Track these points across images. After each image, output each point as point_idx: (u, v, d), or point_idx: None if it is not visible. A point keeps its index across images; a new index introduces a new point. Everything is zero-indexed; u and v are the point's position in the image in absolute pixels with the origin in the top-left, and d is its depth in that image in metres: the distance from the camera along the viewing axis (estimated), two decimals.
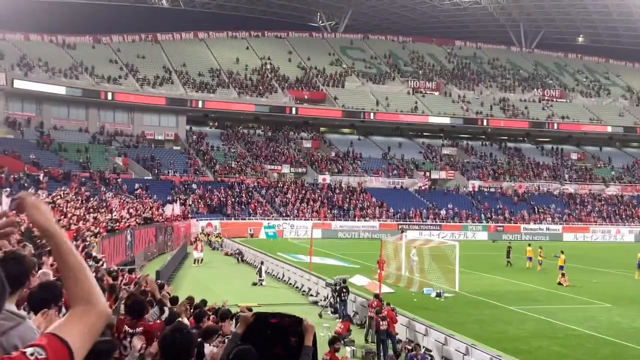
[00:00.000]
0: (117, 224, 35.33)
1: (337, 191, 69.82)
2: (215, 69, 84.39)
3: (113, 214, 38.56)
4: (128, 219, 38.06)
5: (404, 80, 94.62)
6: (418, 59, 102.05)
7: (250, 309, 14.18)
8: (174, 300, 12.95)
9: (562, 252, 38.46)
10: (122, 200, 47.60)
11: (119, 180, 60.08)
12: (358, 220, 65.33)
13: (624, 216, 74.18)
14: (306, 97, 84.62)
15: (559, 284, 33.20)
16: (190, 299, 12.93)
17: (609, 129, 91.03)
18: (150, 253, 41.16)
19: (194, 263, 39.37)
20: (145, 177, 63.96)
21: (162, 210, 52.96)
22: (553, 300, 29.14)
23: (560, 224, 70.53)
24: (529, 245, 45.30)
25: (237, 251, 43.18)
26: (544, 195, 77.21)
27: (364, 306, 22.93)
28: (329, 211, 65.48)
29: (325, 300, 26.01)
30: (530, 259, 42.52)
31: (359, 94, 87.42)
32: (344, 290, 23.94)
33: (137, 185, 60.03)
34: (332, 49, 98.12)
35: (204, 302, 12.90)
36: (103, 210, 39.70)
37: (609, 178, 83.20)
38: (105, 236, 30.46)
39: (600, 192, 79.69)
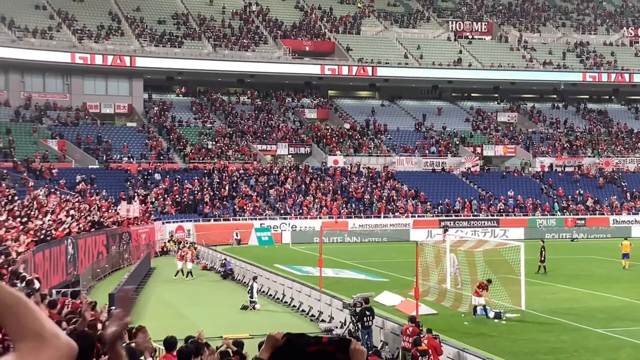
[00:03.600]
0: (54, 231, 35.48)
1: (355, 178, 69.85)
2: (181, 15, 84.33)
3: (47, 218, 38.73)
4: (68, 224, 38.20)
5: (442, 21, 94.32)
6: None
7: (239, 343, 14.26)
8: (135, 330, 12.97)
9: None
10: (60, 199, 47.77)
11: (53, 171, 60.24)
12: (384, 217, 65.36)
13: None
14: (307, 48, 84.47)
15: None
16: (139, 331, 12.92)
17: None
18: (101, 269, 41.26)
19: (186, 276, 41.66)
20: (90, 166, 64.05)
21: (115, 210, 53.02)
22: None
23: None
24: (626, 238, 47.23)
25: (223, 263, 43.26)
26: None
27: (395, 334, 22.96)
28: (343, 206, 65.55)
29: (342, 327, 26.06)
30: (627, 256, 44.05)
31: (381, 43, 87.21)
32: (367, 313, 23.99)
33: (79, 178, 60.15)
34: None
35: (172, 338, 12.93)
36: (33, 213, 39.86)
37: None
38: (37, 248, 30.59)
39: None
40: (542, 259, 42.09)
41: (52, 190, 51.62)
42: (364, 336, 23.81)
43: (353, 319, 24.74)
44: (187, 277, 41.80)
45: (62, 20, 77.67)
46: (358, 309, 24.32)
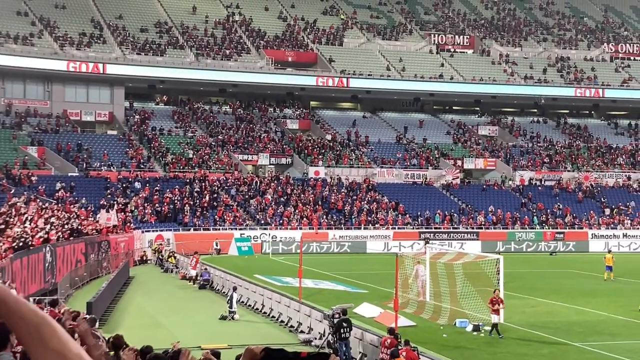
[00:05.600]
0: (32, 238, 35.24)
1: (335, 189, 69.89)
2: (163, 23, 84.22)
3: (25, 225, 38.46)
4: (47, 232, 37.96)
5: (424, 34, 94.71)
6: (444, 5, 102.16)
7: (217, 353, 14.19)
8: (118, 343, 12.85)
9: None
10: (39, 207, 47.49)
11: (33, 178, 59.92)
12: (364, 229, 65.40)
13: None
14: (290, 59, 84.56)
15: None
16: (117, 339, 12.81)
17: None
18: (79, 278, 41.05)
19: (191, 282, 43.32)
20: (70, 174, 63.75)
21: (94, 218, 52.78)
22: (635, 333, 29.22)
23: None
24: (609, 251, 49.73)
25: (203, 271, 43.08)
26: (619, 189, 77.49)
27: (374, 346, 22.95)
28: (324, 217, 65.55)
29: (321, 338, 26.02)
30: (610, 268, 45.48)
31: (363, 55, 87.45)
32: (344, 324, 23.97)
33: (58, 185, 59.86)
34: None
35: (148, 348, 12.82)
36: (12, 220, 39.59)
37: None
38: (15, 256, 30.38)
39: None
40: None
41: (31, 197, 51.31)
42: (342, 348, 23.78)
43: (331, 330, 24.72)
44: (192, 283, 43.01)
45: (44, 27, 77.40)
46: (335, 320, 24.30)
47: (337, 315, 24.53)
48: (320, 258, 55.41)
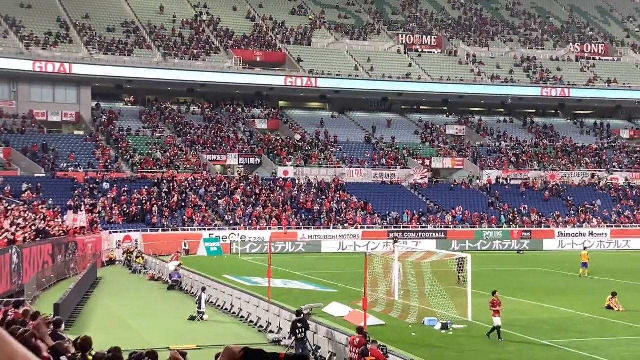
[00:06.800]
0: None
1: (304, 189, 69.88)
2: (130, 23, 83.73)
3: None
4: (13, 233, 37.59)
5: (392, 34, 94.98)
6: (412, 5, 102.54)
7: (184, 354, 14.12)
8: (85, 345, 12.72)
9: None
10: (4, 208, 46.99)
11: None
12: (333, 228, 65.45)
13: None
14: (258, 59, 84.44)
15: (609, 307, 33.65)
16: (84, 341, 12.71)
17: None
18: (46, 279, 40.72)
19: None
20: (36, 175, 63.19)
21: (61, 219, 52.35)
22: (601, 330, 29.54)
23: (609, 226, 71.50)
24: (585, 248, 51.55)
25: (174, 271, 42.78)
26: (584, 188, 78.21)
27: (344, 345, 22.95)
28: (293, 217, 65.53)
29: (290, 338, 26.00)
30: (585, 265, 46.78)
31: (332, 55, 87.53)
32: (299, 325, 24.02)
33: (24, 186, 59.28)
34: None
35: (117, 349, 12.73)
36: None
37: None
38: None
39: None
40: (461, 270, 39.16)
41: None
42: (298, 349, 23.82)
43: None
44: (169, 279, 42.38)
45: (10, 27, 76.64)
46: (294, 322, 24.32)
47: (300, 315, 24.58)
48: (289, 258, 55.38)
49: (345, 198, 69.71)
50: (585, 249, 52.70)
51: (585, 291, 40.14)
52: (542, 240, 68.03)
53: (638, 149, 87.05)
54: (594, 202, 74.99)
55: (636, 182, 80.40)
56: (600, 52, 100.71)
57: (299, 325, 24.06)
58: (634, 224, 72.39)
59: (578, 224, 71.35)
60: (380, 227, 66.67)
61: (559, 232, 69.64)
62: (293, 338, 24.19)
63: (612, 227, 71.48)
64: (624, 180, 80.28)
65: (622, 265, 52.51)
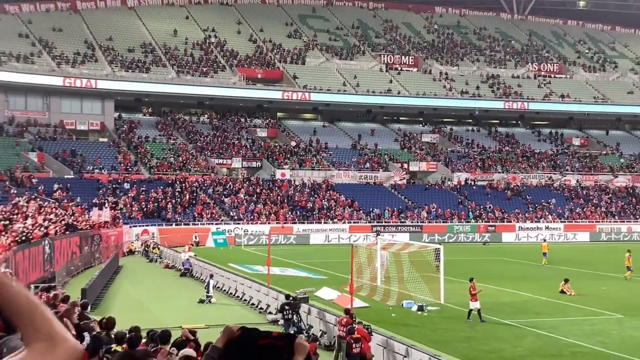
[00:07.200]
0: (33, 233, 34.75)
1: (299, 189, 69.85)
2: (148, 44, 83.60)
3: (27, 222, 37.91)
4: (46, 227, 37.47)
5: (375, 54, 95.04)
6: (392, 30, 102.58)
7: (194, 332, 14.10)
8: (109, 324, 12.74)
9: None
10: (38, 205, 46.85)
11: (33, 180, 59.15)
12: (324, 223, 65.45)
13: (635, 211, 75.65)
14: (259, 76, 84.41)
15: (562, 292, 33.74)
16: (108, 320, 12.73)
17: (617, 109, 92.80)
18: (74, 267, 40.69)
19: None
20: (66, 176, 63.07)
21: (88, 215, 52.29)
22: (555, 311, 29.60)
23: (562, 221, 71.67)
24: (545, 240, 52.03)
25: (186, 260, 42.74)
26: (541, 188, 78.37)
27: (333, 324, 22.96)
28: (289, 213, 65.49)
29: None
30: (545, 254, 46.85)
31: (323, 72, 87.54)
32: (287, 307, 24.03)
33: (56, 186, 59.18)
34: (289, 18, 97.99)
35: (136, 328, 12.72)
36: (15, 217, 39.00)
37: (617, 167, 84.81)
38: (17, 249, 29.96)
39: (607, 183, 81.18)
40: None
41: (32, 197, 50.61)
42: (287, 328, 23.87)
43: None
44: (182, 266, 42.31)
45: (43, 47, 76.46)
46: (279, 304, 24.34)
47: (299, 299, 24.58)
48: (285, 249, 55.36)
49: (335, 197, 69.72)
50: (544, 240, 53.00)
51: (541, 278, 40.25)
52: (504, 233, 68.18)
53: (587, 154, 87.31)
54: (549, 200, 75.20)
55: (586, 183, 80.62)
56: (555, 70, 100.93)
57: (287, 307, 24.11)
58: (583, 220, 72.64)
59: (535, 219, 71.56)
60: (365, 222, 66.70)
61: (519, 227, 69.80)
62: (282, 319, 24.22)
63: (565, 222, 71.70)
64: (576, 182, 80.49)
65: (574, 256, 52.64)
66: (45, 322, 2.40)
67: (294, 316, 24.29)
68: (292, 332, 23.65)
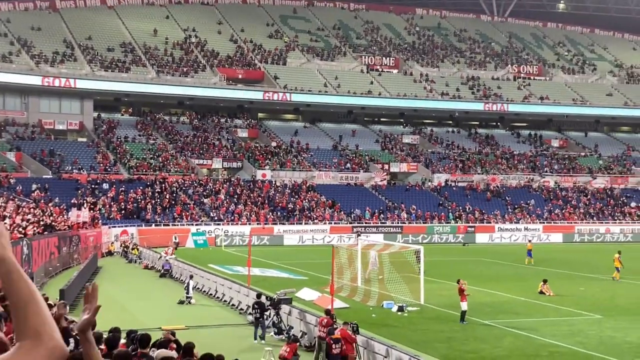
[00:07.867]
0: (11, 233, 34.47)
1: (280, 189, 69.78)
2: (128, 44, 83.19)
3: (5, 222, 37.59)
4: (24, 227, 37.19)
5: (356, 55, 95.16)
6: (373, 31, 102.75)
7: (173, 333, 14.06)
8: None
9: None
10: (16, 206, 46.46)
11: (11, 180, 58.70)
12: (305, 224, 65.40)
13: (614, 212, 76.28)
14: (240, 76, 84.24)
15: (541, 292, 33.93)
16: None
17: (596, 111, 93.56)
18: (53, 268, 40.36)
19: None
20: (44, 176, 62.63)
21: (66, 215, 51.92)
22: (534, 312, 29.75)
23: (541, 222, 72.10)
24: (530, 241, 53.20)
25: (165, 261, 42.56)
26: (521, 189, 78.80)
27: (313, 325, 22.97)
28: (270, 213, 65.41)
29: (266, 319, 25.94)
30: (530, 254, 47.28)
31: (304, 73, 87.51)
32: (256, 306, 24.14)
33: (34, 186, 58.77)
34: (270, 19, 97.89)
35: (116, 329, 12.64)
36: None
37: (595, 168, 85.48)
38: None
39: (585, 184, 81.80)
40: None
41: (10, 197, 50.22)
42: (256, 328, 24.06)
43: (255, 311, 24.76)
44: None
45: (22, 47, 75.91)
46: (255, 305, 24.43)
47: (277, 299, 24.59)
48: (265, 250, 55.28)
49: (315, 198, 69.72)
50: (529, 241, 53.75)
51: (520, 278, 40.46)
52: (484, 234, 68.49)
53: (566, 156, 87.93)
54: (528, 201, 75.63)
55: (565, 184, 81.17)
56: (534, 72, 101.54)
57: (256, 307, 24.18)
58: (562, 221, 73.15)
59: (515, 220, 71.95)
60: (346, 222, 66.75)
61: (498, 228, 70.13)
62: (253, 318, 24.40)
63: (544, 223, 72.16)
64: (554, 183, 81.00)
65: (552, 256, 52.95)
66: (36, 318, 2.39)
67: (263, 316, 24.34)
68: (261, 332, 23.81)
